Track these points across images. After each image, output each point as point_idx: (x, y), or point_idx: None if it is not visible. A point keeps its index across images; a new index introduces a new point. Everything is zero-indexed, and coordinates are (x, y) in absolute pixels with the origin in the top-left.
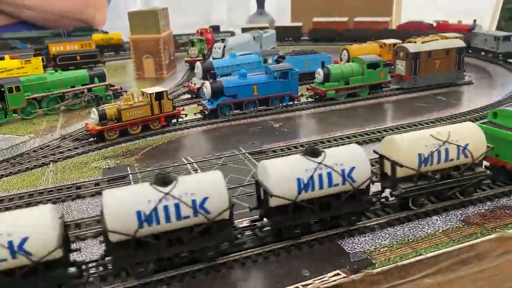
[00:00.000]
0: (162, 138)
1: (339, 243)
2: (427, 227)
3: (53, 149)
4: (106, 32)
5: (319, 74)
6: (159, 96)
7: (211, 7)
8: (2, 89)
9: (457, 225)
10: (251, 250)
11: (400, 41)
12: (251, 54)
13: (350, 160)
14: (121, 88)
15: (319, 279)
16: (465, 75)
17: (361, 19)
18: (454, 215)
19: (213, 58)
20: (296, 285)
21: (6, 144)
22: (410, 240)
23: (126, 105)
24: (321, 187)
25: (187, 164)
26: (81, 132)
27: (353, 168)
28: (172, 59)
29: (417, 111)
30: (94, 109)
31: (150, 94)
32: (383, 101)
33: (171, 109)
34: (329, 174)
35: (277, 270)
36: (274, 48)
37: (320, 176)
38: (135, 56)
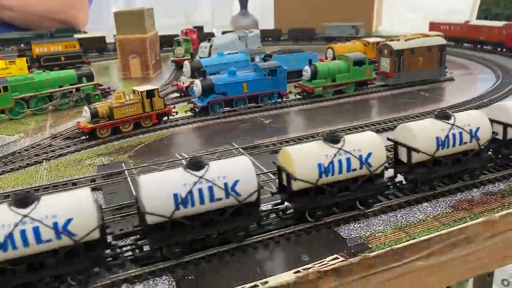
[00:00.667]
0: (154, 135)
1: (336, 229)
2: (418, 213)
3: (44, 147)
4: (85, 33)
5: (307, 71)
6: (150, 94)
7: (194, 8)
8: None
9: (446, 211)
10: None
11: (384, 39)
12: (238, 53)
13: (367, 146)
14: (109, 88)
15: (319, 263)
16: (447, 72)
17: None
18: (444, 201)
19: (200, 57)
20: (297, 268)
21: None
22: (403, 226)
23: (118, 103)
24: (340, 171)
25: (182, 160)
26: (72, 130)
27: (370, 153)
28: (158, 59)
29: (402, 106)
30: (85, 107)
31: (141, 92)
32: (369, 98)
33: (162, 107)
34: (348, 160)
35: (276, 257)
36: (259, 47)
37: (340, 161)
38: (121, 56)
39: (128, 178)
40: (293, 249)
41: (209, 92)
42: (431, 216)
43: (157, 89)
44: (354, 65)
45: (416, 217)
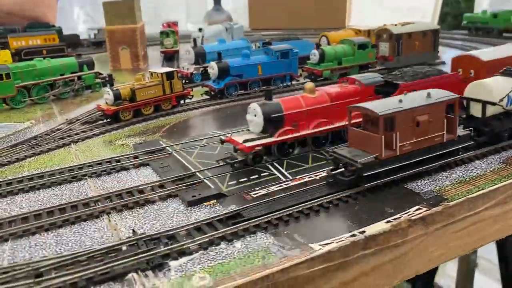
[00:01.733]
0: (176, 117)
1: (405, 186)
2: (475, 170)
3: (66, 131)
4: (60, 28)
5: (315, 55)
6: (170, 76)
7: (168, 2)
8: None
9: (500, 166)
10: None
11: (373, 27)
12: (239, 40)
13: None
14: (109, 76)
15: (405, 213)
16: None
17: None
18: (493, 159)
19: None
20: (387, 219)
21: (9, 130)
22: (467, 179)
23: (139, 85)
24: None
25: (220, 136)
26: (88, 115)
27: None
28: (146, 51)
29: None
30: (107, 89)
31: (161, 73)
32: None
33: (181, 89)
34: None
35: (362, 211)
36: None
37: None
38: (110, 47)
39: (174, 154)
40: (373, 204)
41: (225, 75)
42: (488, 171)
43: (177, 71)
44: (358, 49)
45: (475, 172)
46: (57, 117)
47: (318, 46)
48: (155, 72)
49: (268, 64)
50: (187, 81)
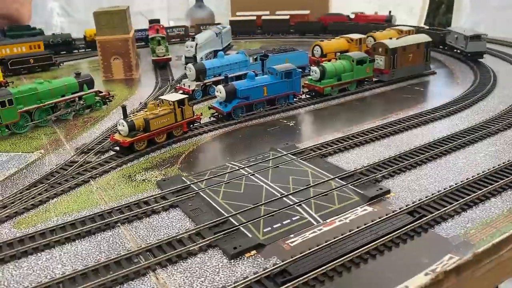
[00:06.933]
0: (188, 144)
1: (433, 230)
2: (493, 209)
3: (82, 165)
4: (41, 31)
5: (316, 72)
6: (181, 103)
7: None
8: None
9: None
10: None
11: (364, 36)
12: (237, 53)
13: None
14: (109, 94)
15: (440, 263)
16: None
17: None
18: (507, 195)
19: (186, 57)
20: (425, 271)
21: (20, 163)
22: (488, 221)
23: (152, 114)
24: None
25: (240, 169)
26: (98, 143)
27: None
28: (137, 59)
29: (406, 102)
30: (122, 121)
31: (173, 101)
32: (370, 94)
33: (192, 115)
34: None
35: (400, 260)
36: (230, 42)
37: None
38: (102, 57)
39: (200, 193)
40: (408, 253)
41: (232, 97)
42: (505, 210)
43: (187, 97)
44: (357, 64)
45: (493, 212)
46: (65, 145)
47: (318, 63)
48: (167, 100)
49: (273, 85)
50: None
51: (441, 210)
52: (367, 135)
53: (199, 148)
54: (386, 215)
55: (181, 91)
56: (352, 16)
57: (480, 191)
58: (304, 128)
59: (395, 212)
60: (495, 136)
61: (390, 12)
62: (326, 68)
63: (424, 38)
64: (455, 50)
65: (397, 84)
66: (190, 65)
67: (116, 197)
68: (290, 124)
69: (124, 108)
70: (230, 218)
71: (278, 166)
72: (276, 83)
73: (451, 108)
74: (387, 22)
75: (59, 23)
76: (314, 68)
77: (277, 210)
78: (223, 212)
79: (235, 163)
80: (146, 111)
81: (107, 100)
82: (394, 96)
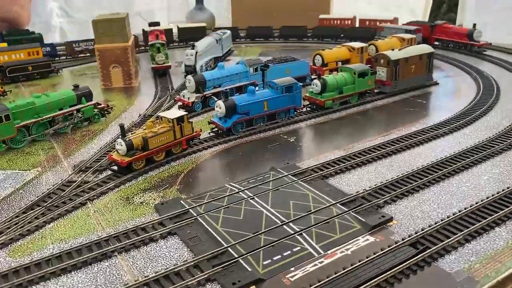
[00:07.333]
0: (188, 162)
1: (436, 264)
2: (497, 240)
3: (79, 185)
4: (40, 35)
5: (317, 85)
6: (180, 120)
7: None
8: None
9: None
10: None
11: (366, 44)
12: (237, 64)
13: None
14: (107, 105)
15: None
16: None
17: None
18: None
19: (186, 65)
20: None
21: (16, 182)
22: (492, 255)
23: (151, 133)
24: None
25: (240, 192)
26: (96, 161)
27: None
28: (136, 66)
29: (408, 116)
30: (120, 140)
31: (172, 119)
32: (371, 107)
33: (191, 131)
34: None
35: None
36: (231, 47)
37: None
38: (101, 66)
39: (199, 219)
40: None
41: (232, 113)
42: (510, 242)
43: (187, 114)
44: (358, 77)
45: (498, 244)
46: (63, 161)
47: (319, 76)
48: (166, 117)
49: (274, 99)
50: (187, 111)
51: (445, 242)
52: (369, 154)
53: (199, 166)
54: (389, 246)
55: (180, 103)
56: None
57: (484, 220)
58: (304, 144)
59: (397, 244)
60: (498, 157)
61: (474, 25)
62: (327, 81)
63: (426, 49)
64: None
65: (399, 95)
66: (189, 77)
67: (113, 222)
68: (291, 140)
69: (122, 127)
70: (229, 248)
71: (278, 189)
72: (276, 97)
73: (454, 125)
74: (468, 37)
75: (59, 24)
76: (315, 81)
77: (277, 240)
78: (222, 241)
79: (234, 185)
80: (145, 129)
81: (105, 112)
82: (396, 109)
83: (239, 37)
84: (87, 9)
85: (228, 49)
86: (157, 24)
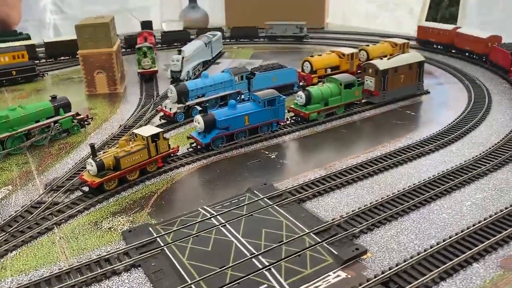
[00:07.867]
0: (163, 181)
1: None
2: (474, 278)
3: (48, 207)
4: (28, 36)
5: (301, 97)
6: (155, 137)
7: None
8: None
9: (497, 274)
10: None
11: (357, 50)
12: (222, 72)
13: None
14: (87, 116)
15: None
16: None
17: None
18: (490, 259)
19: (171, 71)
20: None
21: None
22: None
23: (124, 152)
24: None
25: (212, 218)
26: (68, 180)
27: None
28: (122, 71)
29: (395, 129)
30: (90, 160)
31: (146, 137)
32: (358, 119)
33: (167, 149)
34: None
35: None
36: (221, 49)
37: None
38: (85, 72)
39: (165, 249)
40: None
41: (211, 128)
42: (488, 281)
43: (162, 131)
44: (345, 88)
45: (474, 283)
46: (36, 179)
47: (304, 88)
48: (140, 135)
49: (255, 113)
50: (169, 122)
51: (419, 280)
52: (350, 174)
53: (174, 186)
54: (360, 285)
55: (162, 114)
56: None
57: (462, 255)
58: (285, 161)
59: (369, 282)
60: (483, 179)
61: None
62: (312, 93)
63: (417, 57)
64: None
65: (388, 106)
66: (171, 86)
67: (78, 250)
68: (272, 156)
69: (92, 147)
70: (193, 285)
71: (251, 215)
72: (258, 111)
73: (441, 141)
74: None
75: (52, 21)
76: (299, 93)
77: (244, 277)
78: (186, 277)
79: (208, 209)
80: (118, 147)
81: (85, 123)
82: (383, 121)
83: (230, 37)
84: (81, 5)
85: (219, 52)
86: (149, 23)
